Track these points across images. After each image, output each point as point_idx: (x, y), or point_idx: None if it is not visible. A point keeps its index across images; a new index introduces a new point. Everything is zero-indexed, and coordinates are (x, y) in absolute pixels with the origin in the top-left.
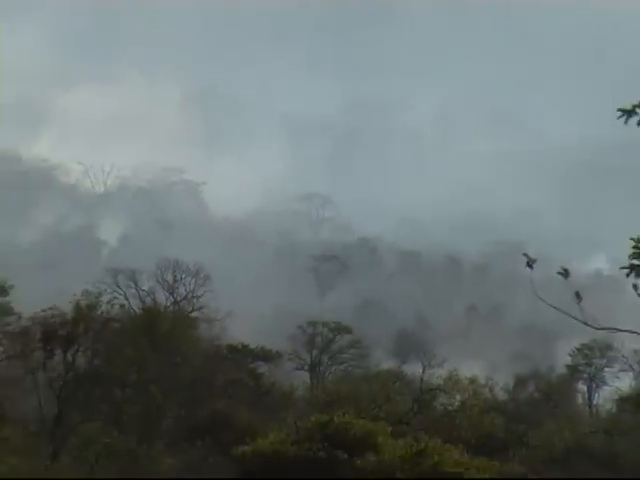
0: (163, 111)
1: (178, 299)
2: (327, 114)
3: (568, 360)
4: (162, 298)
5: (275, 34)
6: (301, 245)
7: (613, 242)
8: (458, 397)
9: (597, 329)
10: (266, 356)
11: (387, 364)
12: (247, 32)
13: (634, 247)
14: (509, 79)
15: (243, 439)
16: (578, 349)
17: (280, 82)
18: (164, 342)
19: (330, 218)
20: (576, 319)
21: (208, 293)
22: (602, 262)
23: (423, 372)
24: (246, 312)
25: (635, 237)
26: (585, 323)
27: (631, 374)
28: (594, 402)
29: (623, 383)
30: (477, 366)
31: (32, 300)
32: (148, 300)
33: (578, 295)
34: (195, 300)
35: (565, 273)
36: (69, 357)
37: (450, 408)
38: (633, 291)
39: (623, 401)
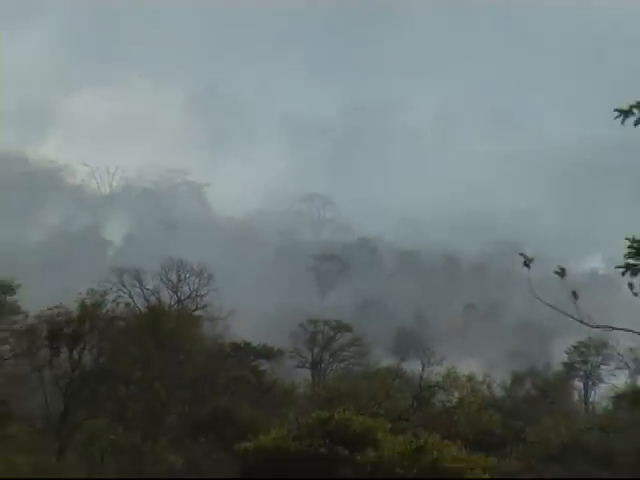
0: (167, 113)
1: (182, 298)
2: (327, 116)
3: (564, 358)
4: (166, 297)
5: (276, 36)
6: (302, 245)
7: (609, 242)
8: (456, 394)
9: (593, 327)
10: (268, 354)
11: (387, 362)
12: (249, 34)
13: (629, 247)
14: (507, 79)
15: (245, 435)
16: (574, 347)
17: (281, 84)
18: (168, 340)
19: (331, 218)
20: (572, 317)
21: (211, 292)
22: (598, 261)
23: (422, 370)
24: (249, 311)
25: (630, 237)
26: (581, 321)
27: (626, 372)
28: (590, 399)
29: (619, 380)
30: (475, 364)
31: (39, 299)
32: (152, 299)
33: (574, 294)
34: (199, 299)
35: (562, 272)
36: (75, 355)
37: (448, 405)
38: (628, 290)
39: (619, 398)
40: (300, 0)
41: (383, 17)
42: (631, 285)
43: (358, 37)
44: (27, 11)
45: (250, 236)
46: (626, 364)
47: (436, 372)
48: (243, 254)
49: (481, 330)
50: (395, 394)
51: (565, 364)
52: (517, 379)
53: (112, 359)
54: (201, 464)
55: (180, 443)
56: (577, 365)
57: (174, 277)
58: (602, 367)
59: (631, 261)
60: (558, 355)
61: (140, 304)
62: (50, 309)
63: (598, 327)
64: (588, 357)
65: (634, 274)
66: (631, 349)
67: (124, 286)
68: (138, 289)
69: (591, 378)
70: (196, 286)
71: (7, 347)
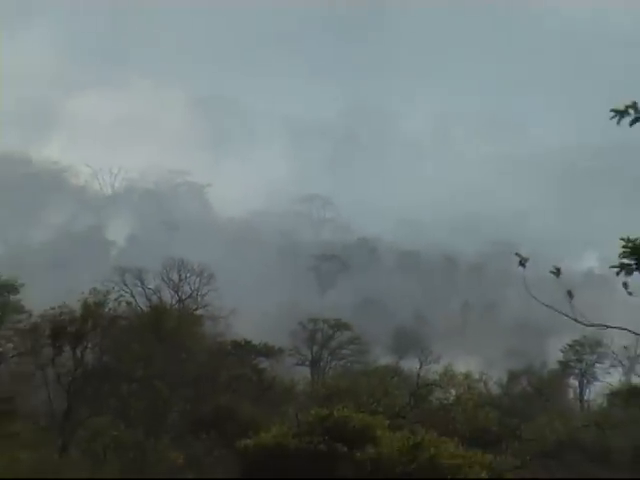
0: (169, 115)
1: (183, 297)
2: (327, 117)
3: (560, 356)
4: (168, 296)
5: (277, 39)
6: (303, 245)
7: (604, 242)
8: (453, 392)
9: (587, 326)
10: (268, 352)
11: (385, 360)
12: (250, 37)
13: (624, 247)
14: (504, 81)
15: (246, 432)
16: (569, 345)
17: (282, 86)
18: (170, 339)
19: (331, 219)
20: (567, 316)
21: (212, 291)
22: (593, 261)
23: (420, 368)
24: (250, 309)
25: (625, 237)
26: (576, 320)
27: (621, 370)
28: (585, 397)
29: (613, 378)
30: (472, 362)
31: (43, 298)
32: (154, 298)
33: (570, 293)
34: (200, 298)
35: (557, 272)
36: (78, 353)
37: (446, 402)
38: (623, 289)
39: (613, 396)
40: (300, 1)
41: (383, 18)
42: (625, 284)
43: (358, 38)
44: (30, 12)
45: (251, 236)
46: (620, 362)
47: (433, 370)
48: (244, 254)
49: (478, 329)
50: (393, 392)
51: (560, 362)
52: (513, 377)
53: (114, 357)
54: (202, 461)
55: (182, 440)
56: (572, 363)
57: (175, 277)
58: (597, 365)
59: (626, 261)
60: (554, 353)
61: (142, 303)
62: (53, 308)
63: (592, 325)
64: (583, 355)
65: (629, 274)
66: (625, 347)
67: (126, 285)
68: (140, 288)
69: (586, 376)
70: (197, 285)
71: (11, 346)
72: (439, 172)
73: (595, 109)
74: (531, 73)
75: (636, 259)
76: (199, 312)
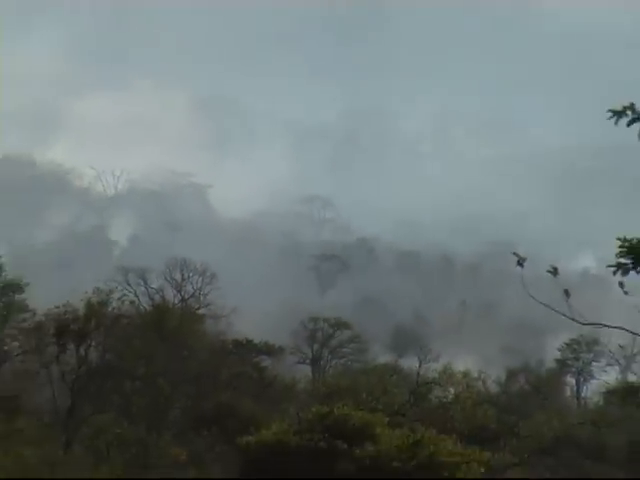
0: (171, 117)
1: (186, 296)
2: (328, 119)
3: (557, 354)
4: (170, 295)
5: (278, 41)
6: (303, 245)
7: (600, 242)
8: (452, 390)
9: (584, 324)
10: (269, 350)
11: (385, 358)
12: (251, 38)
13: (620, 246)
14: (503, 83)
15: (247, 429)
16: (566, 344)
17: (283, 87)
18: (172, 337)
19: (331, 219)
20: (564, 315)
21: (214, 291)
22: (590, 261)
23: (419, 366)
24: (251, 309)
25: (622, 237)
26: (573, 319)
27: (617, 368)
28: (582, 395)
29: (609, 377)
30: (470, 360)
31: (47, 297)
32: (157, 297)
33: (567, 292)
34: (202, 297)
35: (554, 271)
36: (81, 351)
37: (445, 400)
38: (619, 289)
39: (610, 394)
40: (300, 1)
41: (383, 18)
42: (622, 284)
43: (358, 38)
44: (34, 14)
45: (252, 236)
46: (617, 361)
47: (432, 368)
48: (246, 254)
49: (476, 328)
50: (393, 390)
51: (558, 361)
52: (511, 375)
53: (117, 355)
54: (204, 457)
55: (184, 437)
56: (569, 362)
57: (178, 276)
58: (593, 364)
59: (622, 260)
60: (551, 352)
61: (145, 302)
62: (57, 307)
63: (589, 324)
64: (580, 354)
65: (625, 273)
66: (621, 346)
67: (129, 285)
68: (143, 288)
69: (583, 374)
70: (199, 285)
71: (16, 344)
72: (438, 173)
73: (594, 109)
74: (531, 73)
75: (632, 259)
76: (201, 311)
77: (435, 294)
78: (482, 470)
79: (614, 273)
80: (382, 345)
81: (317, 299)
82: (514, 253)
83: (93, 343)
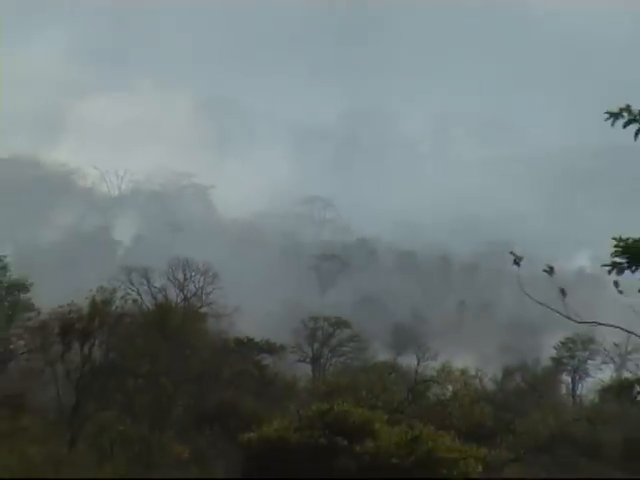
0: (173, 117)
1: (188, 296)
2: (328, 120)
3: (553, 353)
4: (173, 295)
5: (278, 42)
6: (304, 245)
7: (595, 242)
8: (450, 387)
9: (579, 323)
10: (270, 349)
11: (384, 356)
12: (252, 40)
13: (616, 246)
14: (499, 84)
15: (249, 426)
16: (562, 342)
17: (284, 89)
18: (175, 336)
19: (331, 220)
20: (560, 314)
21: (216, 290)
22: (585, 261)
23: (417, 364)
24: (252, 308)
25: (617, 236)
26: (568, 318)
27: (612, 366)
28: (577, 392)
29: (605, 375)
30: (468, 358)
31: (52, 297)
32: (160, 297)
33: (562, 291)
34: (204, 297)
35: (550, 271)
36: (85, 350)
37: (443, 398)
38: (614, 288)
39: (605, 392)
40: (300, 2)
41: (383, 18)
42: (616, 283)
43: (358, 38)
44: (39, 17)
45: (253, 237)
46: (612, 359)
47: (431, 366)
48: (247, 254)
49: (474, 326)
50: (392, 387)
51: (553, 359)
52: (508, 373)
53: (121, 354)
54: (206, 454)
55: (186, 434)
56: (565, 360)
57: (181, 276)
58: (589, 362)
59: (617, 260)
60: (547, 350)
61: (148, 301)
62: (62, 306)
63: (584, 323)
64: (575, 352)
65: (620, 272)
66: (616, 344)
67: (132, 284)
68: (146, 287)
69: (578, 372)
70: (202, 284)
71: (22, 343)
72: (438, 174)
73: (593, 110)
74: (531, 74)
75: (628, 258)
76: (203, 310)
77: (434, 293)
78: (479, 466)
79: (609, 272)
80: (381, 344)
81: (317, 298)
82: (511, 252)
83: (97, 342)
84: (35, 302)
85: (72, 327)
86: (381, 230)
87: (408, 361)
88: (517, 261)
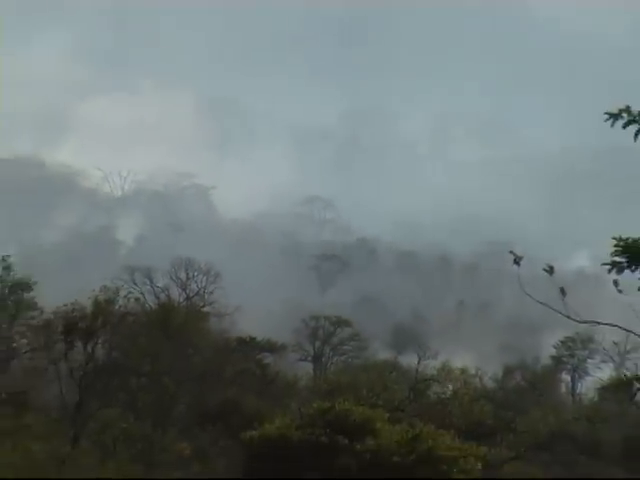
0: (175, 118)
1: (190, 295)
2: (329, 120)
3: (552, 352)
4: (175, 294)
5: (279, 42)
6: (304, 245)
7: (595, 242)
8: (450, 386)
9: (579, 322)
10: (272, 348)
11: (384, 355)
12: (253, 41)
13: (615, 245)
14: (499, 85)
15: (251, 424)
16: (562, 341)
17: (284, 89)
18: (177, 335)
19: (331, 220)
20: (560, 313)
21: (218, 290)
22: (585, 260)
23: (418, 363)
24: (254, 307)
25: (617, 236)
26: (568, 317)
27: (611, 365)
28: (577, 391)
29: (604, 373)
30: (468, 357)
31: (55, 296)
32: (162, 296)
33: (562, 291)
34: (206, 296)
35: (550, 270)
36: (89, 349)
37: (443, 396)
38: (613, 287)
39: (604, 390)
40: (300, 2)
41: (382, 19)
42: (616, 282)
43: (358, 39)
44: (40, 17)
45: (254, 237)
46: (611, 358)
47: (431, 365)
48: (248, 254)
49: (474, 326)
50: (392, 386)
51: (553, 358)
52: (508, 372)
53: (124, 353)
54: (208, 451)
55: (189, 432)
56: (564, 359)
57: (183, 275)
58: (588, 361)
59: (617, 259)
60: (546, 349)
61: (151, 301)
62: (65, 305)
63: (584, 322)
64: (575, 351)
65: (620, 271)
66: (615, 343)
67: (135, 284)
68: (149, 287)
69: (578, 371)
70: (204, 284)
71: (25, 341)
72: (437, 174)
73: (592, 111)
74: (531, 74)
75: (627, 257)
76: (206, 309)
77: (434, 293)
78: (479, 464)
79: (609, 271)
80: (382, 343)
81: (317, 298)
82: (511, 252)
83: (100, 340)
84: (39, 301)
85: (75, 326)
86: (381, 230)
87: (408, 360)
88: (517, 261)
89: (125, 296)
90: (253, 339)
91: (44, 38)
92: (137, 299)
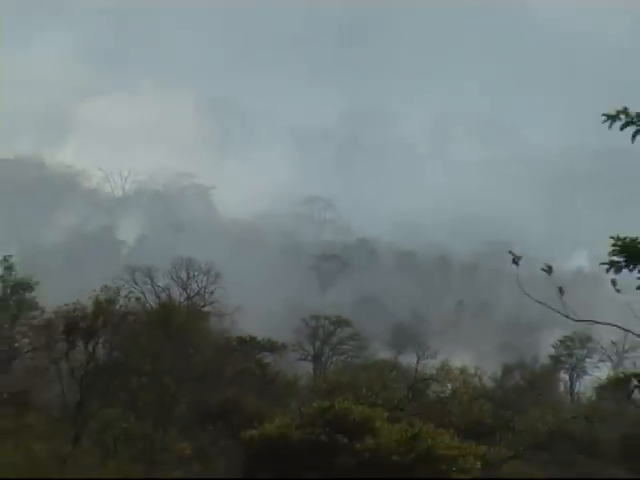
0: (176, 118)
1: (191, 295)
2: (329, 121)
3: (551, 351)
4: (176, 294)
5: (279, 42)
6: (304, 245)
7: (593, 242)
8: (449, 385)
9: (577, 321)
10: (272, 347)
11: (384, 355)
12: (253, 41)
13: (613, 245)
14: (499, 85)
15: (251, 423)
16: (560, 341)
17: (284, 89)
18: (178, 334)
19: (331, 220)
20: (558, 312)
21: (219, 289)
22: (583, 260)
23: (417, 362)
24: (254, 307)
25: (615, 236)
26: (567, 316)
27: (609, 364)
28: (575, 390)
29: (602, 372)
30: (467, 357)
31: (56, 296)
32: (163, 296)
33: (561, 290)
34: (207, 296)
35: (549, 270)
36: (90, 348)
37: (442, 396)
38: (611, 287)
39: (602, 389)
40: (300, 2)
41: (382, 19)
42: (614, 282)
43: (358, 39)
44: (40, 17)
45: (255, 237)
46: (609, 357)
47: (430, 365)
48: (248, 254)
49: (473, 325)
50: (392, 385)
51: (552, 357)
52: (507, 371)
53: (125, 352)
54: (209, 451)
55: (189, 431)
56: (563, 358)
57: (184, 275)
58: (587, 360)
59: (615, 258)
60: (545, 348)
61: (151, 300)
62: (67, 305)
63: (582, 321)
64: (573, 350)
65: (618, 271)
66: (614, 343)
67: (136, 284)
68: (150, 286)
69: (576, 370)
70: (204, 284)
71: (26, 341)
72: (437, 174)
73: (592, 111)
74: (531, 74)
75: (625, 257)
76: (206, 309)
77: (433, 293)
78: (478, 463)
79: (607, 271)
80: (381, 342)
81: (317, 298)
82: (510, 252)
83: (101, 340)
84: (40, 301)
85: (76, 325)
86: (381, 230)
87: (408, 359)
88: (516, 261)
89: (126, 296)
90: (253, 339)
91: (44, 38)
92: (138, 299)
